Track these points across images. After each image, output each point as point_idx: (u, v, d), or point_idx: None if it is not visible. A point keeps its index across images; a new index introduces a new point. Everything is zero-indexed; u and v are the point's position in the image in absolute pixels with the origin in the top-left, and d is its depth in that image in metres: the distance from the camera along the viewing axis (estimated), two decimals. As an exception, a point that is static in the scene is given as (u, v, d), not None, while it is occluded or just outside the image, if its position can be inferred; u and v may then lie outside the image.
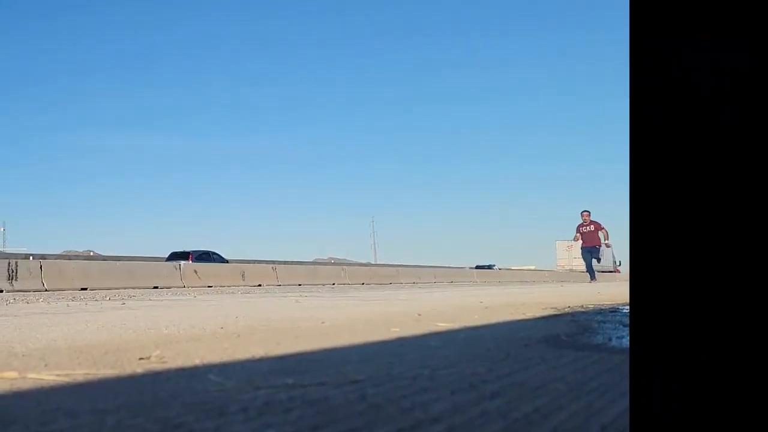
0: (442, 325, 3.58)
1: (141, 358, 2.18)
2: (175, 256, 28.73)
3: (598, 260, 19.87)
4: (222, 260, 29.98)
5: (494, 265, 54.00)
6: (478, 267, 46.17)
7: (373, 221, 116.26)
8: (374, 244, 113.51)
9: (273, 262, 26.10)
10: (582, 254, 20.11)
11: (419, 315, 4.39)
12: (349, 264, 37.45)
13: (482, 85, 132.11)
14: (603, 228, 19.56)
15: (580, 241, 19.78)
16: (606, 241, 19.59)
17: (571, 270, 50.29)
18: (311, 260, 46.53)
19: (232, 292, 10.65)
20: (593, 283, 18.77)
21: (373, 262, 62.61)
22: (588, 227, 19.50)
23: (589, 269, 19.94)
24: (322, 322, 3.77)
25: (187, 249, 30.24)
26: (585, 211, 19.69)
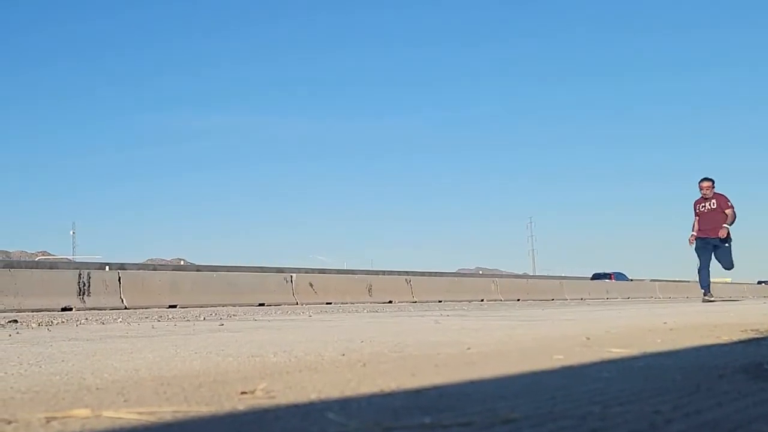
0: (616, 352, 3.57)
1: (243, 393, 2.25)
2: (597, 277, 41.18)
3: (721, 258, 16.10)
4: (627, 280, 39.59)
5: None
6: (760, 282, 47.62)
7: (531, 223, 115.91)
8: (533, 251, 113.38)
9: (407, 273, 26.38)
10: (696, 248, 16.29)
11: (588, 339, 4.39)
12: (501, 276, 37.68)
13: (665, 54, 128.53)
14: (730, 205, 15.98)
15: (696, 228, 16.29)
16: (726, 224, 15.84)
17: None
18: (454, 271, 46.86)
19: (357, 310, 10.82)
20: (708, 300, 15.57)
21: (530, 274, 62.41)
22: (708, 204, 16.14)
23: (705, 282, 16.14)
24: (468, 348, 3.78)
25: (608, 270, 43.89)
26: (705, 179, 16.28)
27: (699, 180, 16.26)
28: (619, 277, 42.52)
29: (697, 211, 16.24)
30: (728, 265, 16.15)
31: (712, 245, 15.95)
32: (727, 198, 16.06)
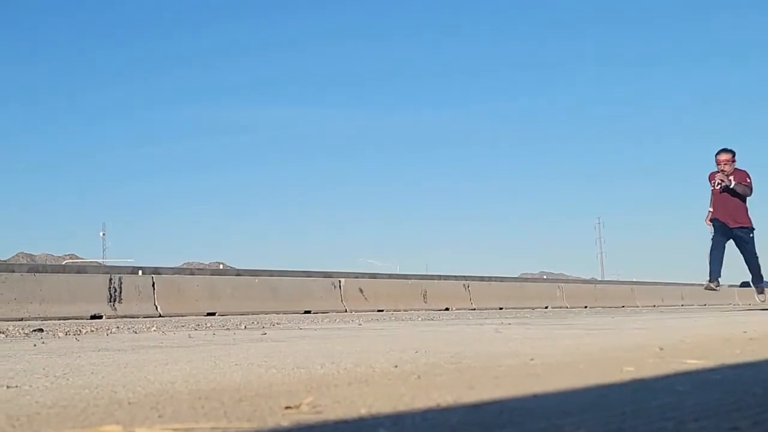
0: (692, 363, 3.56)
1: (288, 407, 2.26)
2: (746, 285, 40.42)
3: (746, 251, 14.16)
4: None
5: None
6: None
7: (599, 223, 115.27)
8: (601, 254, 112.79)
9: (465, 278, 26.38)
10: (713, 237, 14.26)
11: (661, 349, 4.38)
12: (567, 281, 37.50)
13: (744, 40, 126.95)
14: (748, 181, 13.97)
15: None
16: (738, 190, 13.79)
17: None
18: (516, 276, 46.92)
19: (410, 318, 10.85)
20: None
21: (599, 279, 62.21)
22: (726, 182, 13.94)
23: (715, 265, 14.12)
24: (531, 359, 3.78)
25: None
26: (723, 150, 14.11)
27: (716, 152, 14.15)
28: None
29: (712, 188, 14.23)
30: (756, 269, 14.29)
31: (728, 228, 14.08)
32: (746, 173, 14.01)
